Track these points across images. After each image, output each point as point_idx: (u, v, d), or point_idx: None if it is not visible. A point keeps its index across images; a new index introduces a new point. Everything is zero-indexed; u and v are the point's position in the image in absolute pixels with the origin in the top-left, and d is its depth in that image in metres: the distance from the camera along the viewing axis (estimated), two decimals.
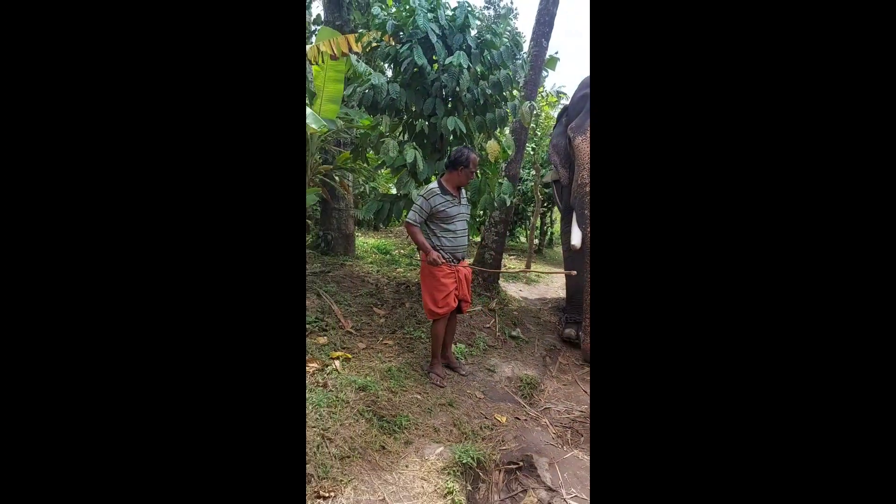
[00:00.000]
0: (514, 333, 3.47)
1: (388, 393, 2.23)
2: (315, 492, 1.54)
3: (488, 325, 3.50)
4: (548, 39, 4.52)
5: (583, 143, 3.17)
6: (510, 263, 6.76)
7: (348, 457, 1.73)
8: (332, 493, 1.55)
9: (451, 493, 1.66)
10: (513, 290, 4.94)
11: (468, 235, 2.60)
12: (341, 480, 1.61)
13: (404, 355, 2.75)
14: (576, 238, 3.27)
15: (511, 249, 8.20)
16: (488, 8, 17.60)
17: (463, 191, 2.53)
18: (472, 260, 4.70)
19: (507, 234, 5.24)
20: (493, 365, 2.92)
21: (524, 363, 3.08)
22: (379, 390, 2.21)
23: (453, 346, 2.87)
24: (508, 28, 7.57)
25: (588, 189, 3.11)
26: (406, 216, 2.72)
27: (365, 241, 6.44)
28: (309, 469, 1.61)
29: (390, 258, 5.42)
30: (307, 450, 1.69)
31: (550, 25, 4.50)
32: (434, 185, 2.43)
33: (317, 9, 6.08)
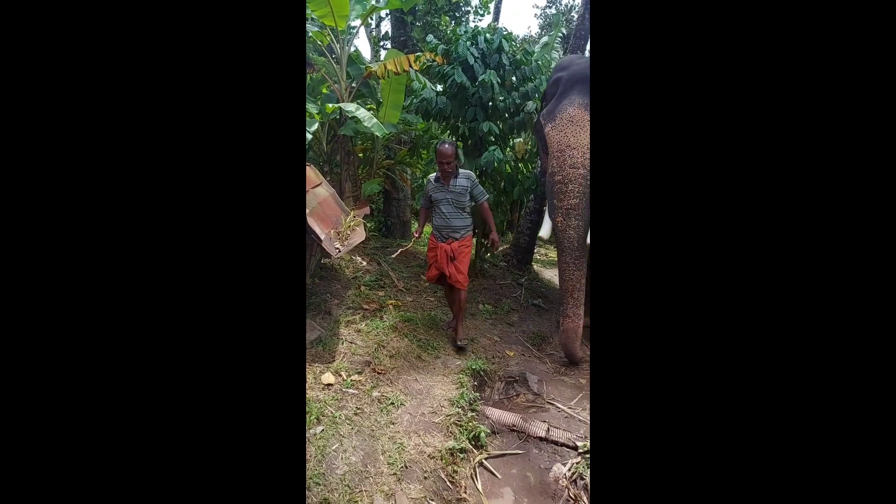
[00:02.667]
0: (535, 302, 4.15)
1: (426, 327, 3.05)
2: (373, 369, 2.38)
3: (515, 294, 4.21)
4: (584, 51, 5.11)
5: (552, 132, 2.91)
6: (553, 253, 7.36)
7: (394, 356, 2.57)
8: (384, 372, 2.38)
9: (463, 384, 2.44)
10: (549, 273, 5.56)
11: (463, 217, 2.88)
12: (389, 367, 2.45)
13: (442, 308, 3.55)
14: (544, 229, 3.15)
15: None
16: (549, 7, 17.78)
17: (459, 179, 2.83)
18: (508, 245, 5.40)
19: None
20: (512, 321, 3.64)
21: (539, 324, 3.76)
22: (419, 324, 3.03)
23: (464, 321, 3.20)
24: (561, 33, 8.04)
25: (557, 178, 2.87)
26: None
27: None
28: (368, 358, 2.46)
29: None
30: (369, 353, 2.54)
31: (586, 39, 5.09)
32: (433, 174, 2.95)
33: (385, 26, 7.03)
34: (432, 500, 1.69)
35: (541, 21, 16.50)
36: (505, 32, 3.90)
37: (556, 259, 3.10)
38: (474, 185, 2.89)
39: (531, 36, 14.22)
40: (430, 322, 3.17)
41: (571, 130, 2.83)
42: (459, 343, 2.92)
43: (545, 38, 7.73)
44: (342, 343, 2.60)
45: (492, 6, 8.02)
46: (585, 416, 2.36)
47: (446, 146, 2.79)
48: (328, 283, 3.38)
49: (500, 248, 5.18)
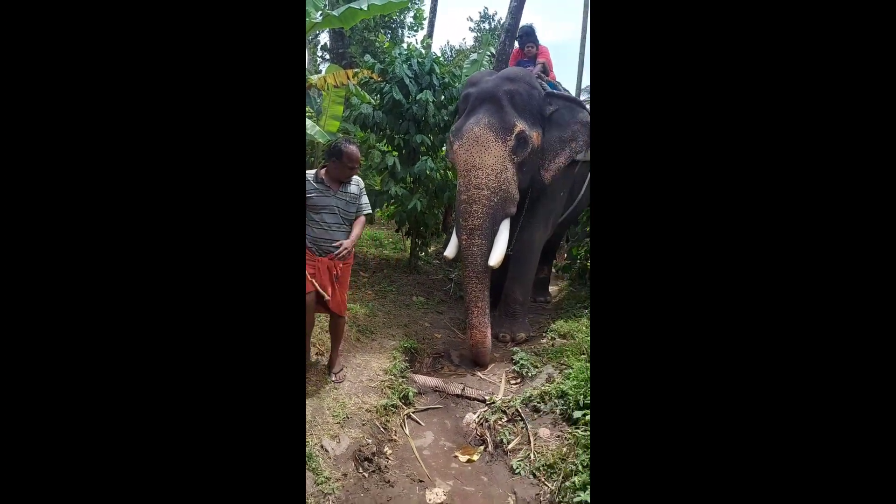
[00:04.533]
0: (463, 294, 4.70)
1: (364, 316, 3.47)
2: (317, 350, 2.78)
3: (446, 288, 4.73)
4: None
5: (459, 150, 2.90)
6: None
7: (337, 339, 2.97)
8: (325, 353, 2.79)
9: (395, 358, 2.89)
10: None
11: (347, 230, 2.35)
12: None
13: (379, 300, 3.98)
14: (450, 249, 3.11)
15: None
16: (484, 21, 18.63)
17: (351, 185, 2.34)
18: (440, 245, 5.92)
19: None
20: (442, 311, 4.15)
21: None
22: (359, 313, 3.44)
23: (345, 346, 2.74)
24: (490, 52, 8.76)
25: (462, 198, 2.85)
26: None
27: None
28: (314, 341, 2.85)
29: (378, 243, 6.65)
30: (315, 337, 2.92)
31: (506, 63, 5.75)
32: (311, 171, 2.29)
33: (324, 38, 7.33)
34: (369, 439, 2.13)
35: (476, 34, 17.33)
36: (435, 56, 4.43)
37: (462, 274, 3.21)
38: (362, 193, 2.40)
39: (464, 49, 14.93)
40: (369, 311, 3.60)
41: (477, 150, 2.82)
42: (334, 378, 2.49)
43: (475, 56, 8.39)
44: None
45: (425, 22, 8.58)
46: (495, 378, 2.91)
47: (353, 147, 2.27)
48: None
49: (433, 248, 5.69)
